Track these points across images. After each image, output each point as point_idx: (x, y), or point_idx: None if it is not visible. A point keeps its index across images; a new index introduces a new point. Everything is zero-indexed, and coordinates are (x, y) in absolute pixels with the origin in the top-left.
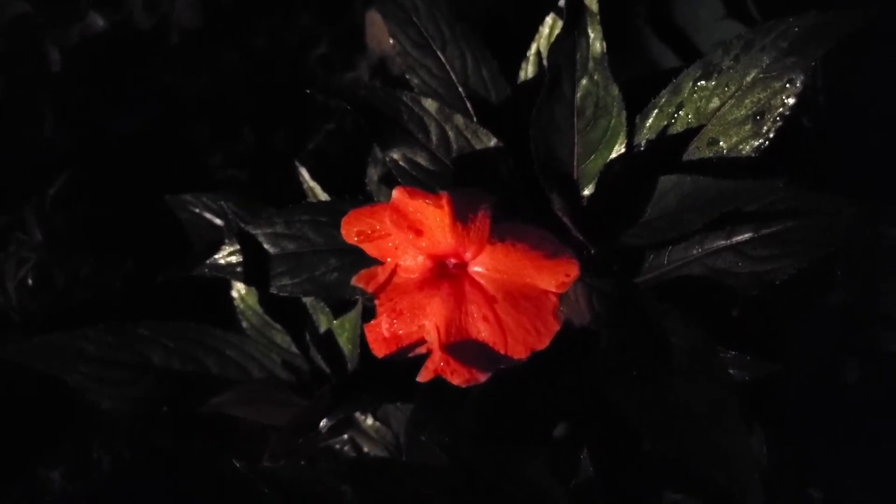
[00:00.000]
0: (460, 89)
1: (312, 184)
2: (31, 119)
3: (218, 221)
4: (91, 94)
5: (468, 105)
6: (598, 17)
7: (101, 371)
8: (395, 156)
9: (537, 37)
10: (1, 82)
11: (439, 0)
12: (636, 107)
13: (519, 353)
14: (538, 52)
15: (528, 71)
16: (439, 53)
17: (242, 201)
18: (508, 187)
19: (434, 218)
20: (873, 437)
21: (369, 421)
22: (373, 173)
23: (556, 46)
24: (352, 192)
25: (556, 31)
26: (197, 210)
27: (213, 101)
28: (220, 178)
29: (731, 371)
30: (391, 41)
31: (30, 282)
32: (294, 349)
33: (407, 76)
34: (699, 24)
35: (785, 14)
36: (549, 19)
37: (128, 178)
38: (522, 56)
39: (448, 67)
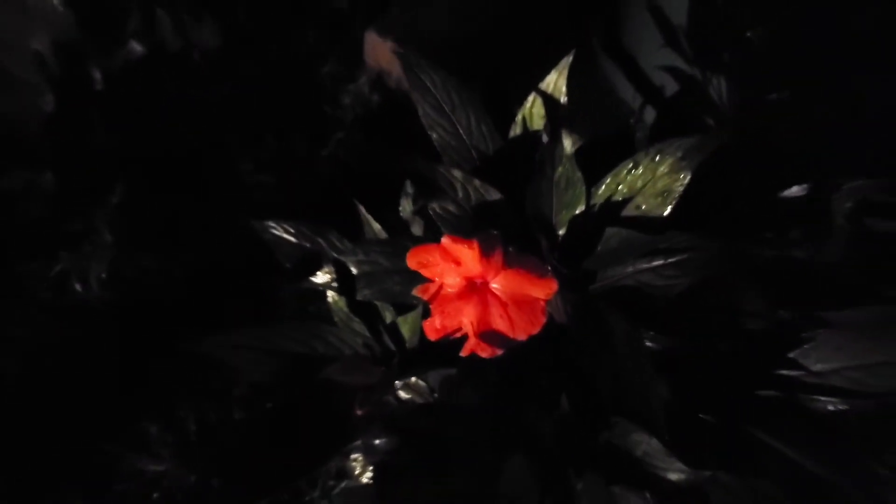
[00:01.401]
0: (467, 141)
1: (368, 216)
2: (82, 132)
3: (292, 240)
4: (133, 109)
5: (473, 154)
6: (568, 132)
7: (251, 356)
8: (436, 206)
9: (523, 107)
10: (53, 101)
11: (450, 76)
12: (593, 179)
13: (521, 336)
14: (524, 118)
15: (516, 130)
16: (451, 115)
17: (313, 226)
18: (510, 227)
19: (468, 255)
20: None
21: (413, 379)
22: (406, 204)
23: (544, 149)
24: (391, 218)
25: (537, 105)
26: (277, 233)
27: (236, 110)
28: (251, 182)
29: (648, 344)
30: (418, 106)
31: (103, 276)
32: (368, 335)
33: (429, 132)
34: (642, 50)
35: (709, 47)
36: (531, 98)
37: (174, 184)
38: (517, 106)
39: (457, 126)
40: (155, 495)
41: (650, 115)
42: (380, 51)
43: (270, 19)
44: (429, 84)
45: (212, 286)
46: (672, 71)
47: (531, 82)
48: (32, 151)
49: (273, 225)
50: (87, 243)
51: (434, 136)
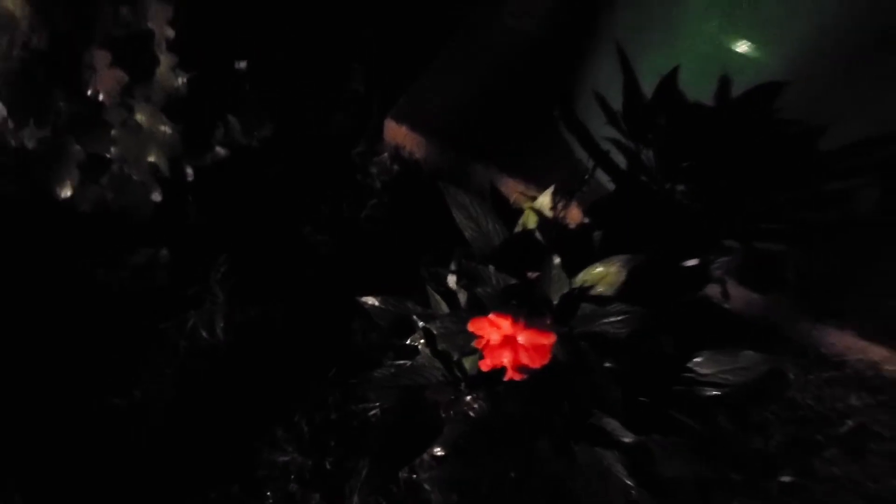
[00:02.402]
0: (487, 237)
1: (436, 295)
2: (182, 216)
3: (384, 307)
4: (218, 194)
5: (493, 241)
6: (553, 245)
7: (381, 388)
8: (479, 289)
9: (523, 217)
10: (160, 194)
11: (474, 196)
12: (573, 266)
13: (537, 366)
14: (524, 223)
15: (519, 228)
16: (476, 220)
17: (396, 299)
18: (526, 302)
19: (505, 323)
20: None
21: (469, 398)
22: (451, 279)
23: (545, 260)
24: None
25: (531, 217)
26: (373, 303)
27: (290, 185)
28: (313, 241)
29: (608, 365)
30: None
31: (223, 325)
32: (445, 371)
33: (462, 230)
34: (592, 124)
35: (637, 127)
36: (527, 210)
37: (260, 249)
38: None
39: (480, 227)
40: (292, 477)
41: (601, 174)
42: (396, 132)
43: (312, 111)
44: (461, 202)
45: (297, 328)
46: (614, 141)
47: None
48: (150, 234)
49: (371, 299)
50: (208, 302)
51: (466, 233)
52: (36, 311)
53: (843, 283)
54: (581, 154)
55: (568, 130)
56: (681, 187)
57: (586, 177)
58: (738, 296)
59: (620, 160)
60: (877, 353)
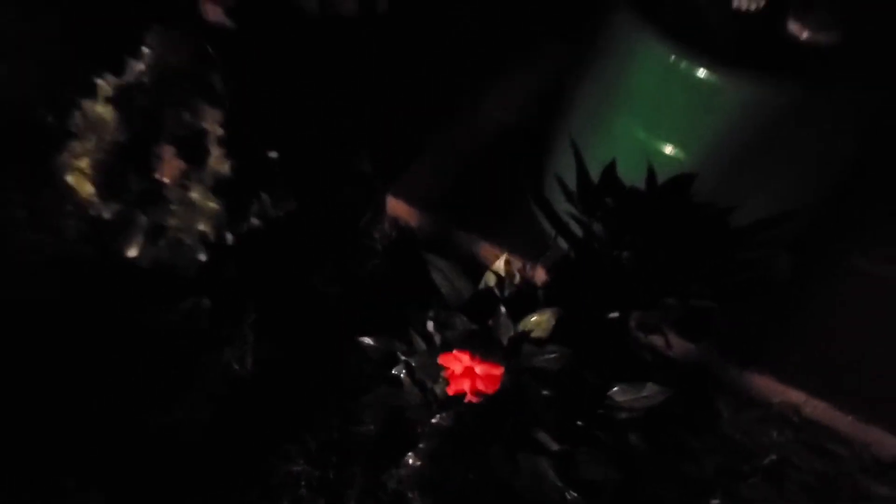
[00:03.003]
0: (458, 293)
1: (416, 336)
2: (222, 272)
3: (376, 345)
4: (250, 256)
5: (463, 296)
6: (505, 301)
7: (372, 408)
8: (447, 333)
9: (485, 276)
10: (205, 254)
11: (448, 263)
12: (519, 313)
13: (490, 392)
14: (485, 281)
15: (483, 285)
16: (451, 281)
17: (387, 339)
18: (480, 342)
19: (465, 358)
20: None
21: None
22: (429, 324)
23: (497, 315)
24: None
25: (491, 277)
26: (368, 342)
27: (305, 248)
28: (324, 292)
29: (545, 393)
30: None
31: (251, 360)
32: (421, 394)
33: (439, 287)
34: (555, 201)
35: (588, 204)
36: (487, 273)
37: (281, 304)
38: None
39: (453, 285)
40: (301, 484)
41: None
42: (395, 206)
43: (327, 189)
44: (439, 266)
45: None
46: (571, 216)
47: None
48: (195, 286)
49: (367, 339)
50: (239, 341)
51: (442, 289)
52: (104, 346)
53: (763, 335)
54: (546, 225)
55: (536, 206)
56: (626, 254)
57: (550, 244)
58: (679, 345)
59: (577, 231)
60: (795, 396)
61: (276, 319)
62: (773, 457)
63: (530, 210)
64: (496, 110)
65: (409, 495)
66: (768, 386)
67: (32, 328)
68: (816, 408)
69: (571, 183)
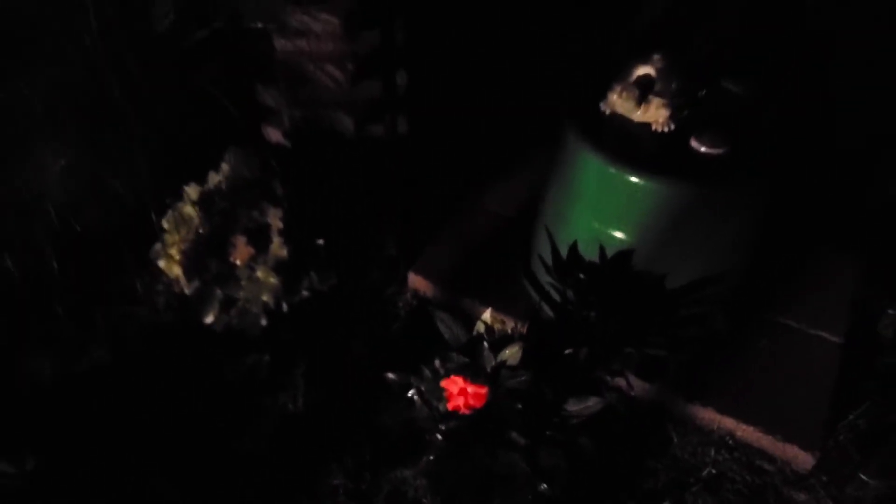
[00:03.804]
0: (457, 338)
1: (426, 370)
2: (278, 333)
3: (397, 379)
4: (301, 321)
5: (460, 340)
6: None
7: (391, 423)
8: (448, 365)
9: (476, 326)
10: (266, 319)
11: (451, 316)
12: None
13: (478, 406)
14: (476, 329)
15: (475, 332)
16: (452, 329)
17: (406, 375)
18: (472, 371)
19: (461, 381)
20: None
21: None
22: (436, 361)
23: (484, 353)
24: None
25: (481, 326)
26: (394, 377)
27: (345, 315)
28: (358, 350)
29: (518, 406)
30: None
31: (301, 401)
32: (427, 409)
33: (444, 335)
34: (538, 273)
35: (561, 276)
36: (478, 323)
37: (325, 357)
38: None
39: (453, 332)
40: (340, 492)
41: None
42: (415, 280)
43: (361, 268)
44: (442, 319)
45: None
46: (550, 285)
47: (486, 291)
48: (258, 345)
49: (391, 375)
50: (292, 387)
51: (445, 335)
52: (189, 392)
53: (705, 376)
54: (532, 293)
55: (524, 278)
56: (592, 314)
57: (535, 307)
58: (639, 385)
59: (556, 297)
60: (730, 423)
61: (322, 369)
62: (713, 471)
63: (520, 281)
64: (494, 204)
65: (424, 501)
66: (709, 416)
67: (136, 379)
68: (746, 432)
69: (549, 261)
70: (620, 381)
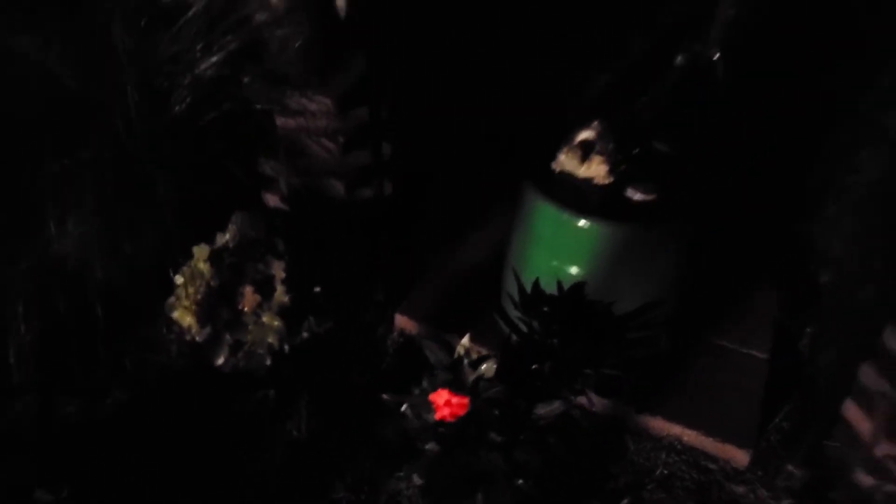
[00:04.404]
0: (441, 361)
1: (417, 391)
2: (281, 371)
3: (391, 399)
4: (301, 360)
5: (444, 363)
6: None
7: (391, 435)
8: (435, 381)
9: (457, 350)
10: (270, 360)
11: (437, 347)
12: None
13: (461, 414)
14: (458, 353)
15: (456, 356)
16: (434, 353)
17: (399, 395)
18: (456, 385)
19: (445, 394)
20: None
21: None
22: (425, 382)
23: (461, 373)
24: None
25: (461, 349)
26: (388, 397)
27: (339, 355)
28: (352, 383)
29: (495, 412)
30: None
31: (304, 427)
32: (417, 420)
33: (430, 359)
34: (508, 309)
35: (527, 310)
36: (458, 347)
37: (324, 391)
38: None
39: (438, 357)
40: None
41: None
42: (401, 321)
43: (353, 312)
44: (428, 346)
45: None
46: (519, 318)
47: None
48: (264, 382)
49: (386, 396)
50: (297, 416)
51: (431, 359)
52: (203, 426)
53: (654, 391)
54: (503, 326)
55: (497, 314)
56: (555, 341)
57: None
58: (599, 402)
59: (524, 328)
60: (677, 429)
61: (322, 400)
62: (665, 472)
63: (493, 317)
64: (469, 252)
65: None
66: (659, 424)
67: (154, 417)
68: (691, 436)
69: (517, 297)
70: (582, 399)
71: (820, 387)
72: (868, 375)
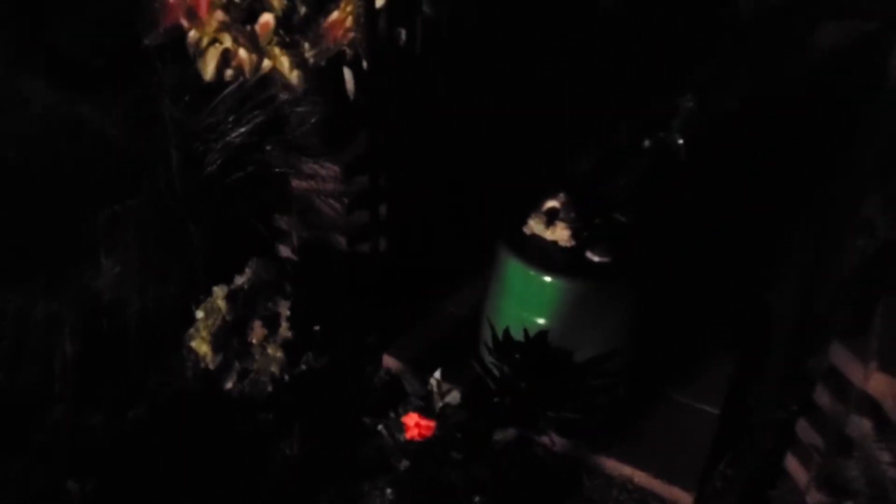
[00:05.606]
0: (417, 391)
1: (394, 415)
2: (279, 397)
3: (371, 422)
4: (298, 388)
5: (420, 392)
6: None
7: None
8: (408, 407)
9: (430, 383)
10: (272, 387)
11: (418, 381)
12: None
13: (428, 435)
14: (431, 384)
15: (429, 387)
16: (411, 385)
17: (376, 419)
18: (426, 410)
19: (415, 417)
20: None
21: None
22: (399, 408)
23: (431, 400)
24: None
25: (434, 383)
26: (367, 419)
27: (334, 387)
28: (343, 413)
29: (458, 435)
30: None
31: (297, 447)
32: (392, 439)
33: (407, 389)
34: (484, 356)
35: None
36: (431, 380)
37: (317, 418)
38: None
39: (414, 388)
40: None
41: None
42: (388, 361)
43: (347, 352)
44: (408, 379)
45: (332, 446)
46: (492, 364)
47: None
48: (265, 406)
49: (368, 419)
50: (291, 438)
51: (408, 389)
52: (210, 442)
53: (610, 433)
54: (478, 369)
55: (474, 359)
56: (523, 384)
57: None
58: (559, 442)
59: (496, 372)
60: (629, 470)
61: (315, 424)
62: None
63: (470, 362)
64: (451, 306)
65: None
66: (612, 464)
67: (169, 431)
68: (641, 477)
69: (491, 344)
70: (545, 439)
71: (765, 440)
72: (804, 430)
